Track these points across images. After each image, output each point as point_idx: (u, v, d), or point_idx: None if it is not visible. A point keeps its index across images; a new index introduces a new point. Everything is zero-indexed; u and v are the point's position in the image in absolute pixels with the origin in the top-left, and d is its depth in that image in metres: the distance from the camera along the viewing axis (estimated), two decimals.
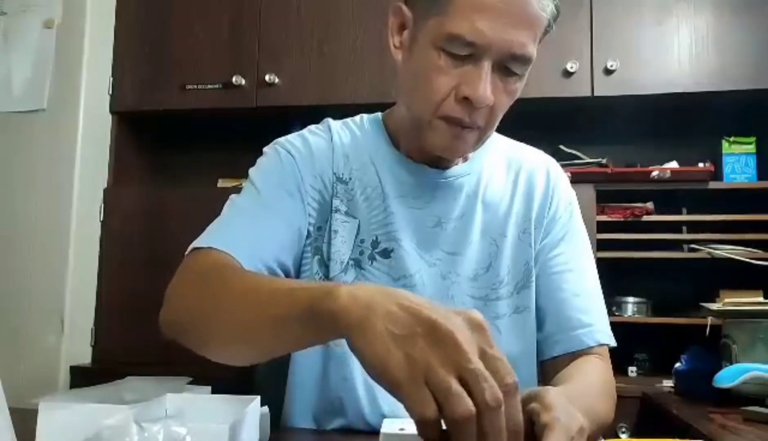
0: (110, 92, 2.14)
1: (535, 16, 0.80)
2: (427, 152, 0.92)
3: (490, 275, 0.95)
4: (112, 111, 2.14)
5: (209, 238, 0.83)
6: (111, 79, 2.15)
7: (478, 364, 0.48)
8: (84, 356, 2.01)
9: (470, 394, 0.47)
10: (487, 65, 0.80)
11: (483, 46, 0.79)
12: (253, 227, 0.86)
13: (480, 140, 0.89)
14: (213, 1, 2.13)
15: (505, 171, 1.01)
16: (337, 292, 0.55)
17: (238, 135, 2.18)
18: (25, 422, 0.59)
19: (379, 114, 1.03)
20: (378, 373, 0.49)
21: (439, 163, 0.95)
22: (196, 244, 0.83)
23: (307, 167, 0.94)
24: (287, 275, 0.90)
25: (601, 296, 0.99)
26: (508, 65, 0.81)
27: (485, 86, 0.80)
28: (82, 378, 1.93)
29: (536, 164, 1.02)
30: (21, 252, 1.97)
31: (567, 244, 0.98)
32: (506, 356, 0.90)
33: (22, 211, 1.99)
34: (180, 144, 2.40)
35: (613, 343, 0.95)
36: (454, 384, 0.47)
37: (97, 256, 2.07)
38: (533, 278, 0.96)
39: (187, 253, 0.84)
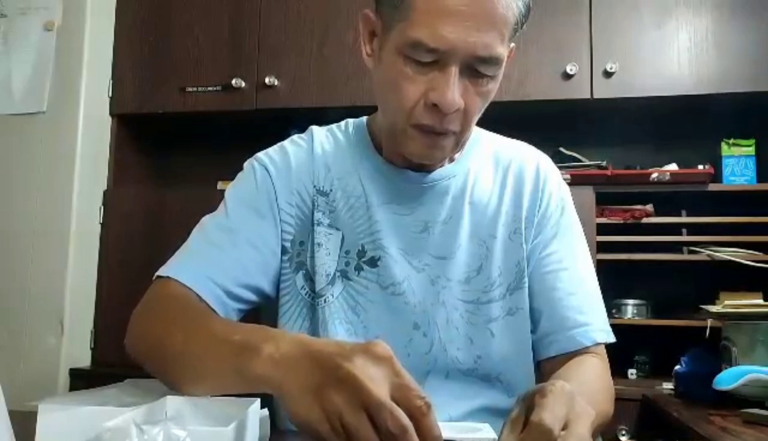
0: (110, 94, 2.14)
1: (499, 16, 0.78)
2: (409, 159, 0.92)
3: (481, 278, 0.93)
4: (111, 113, 2.14)
5: (171, 267, 0.87)
6: (111, 81, 2.15)
7: (380, 398, 0.52)
8: (83, 359, 2.01)
9: (378, 426, 0.52)
10: (453, 70, 0.79)
11: (447, 52, 0.77)
12: (214, 255, 0.88)
13: (457, 144, 0.88)
14: (213, 3, 2.13)
15: (493, 170, 0.99)
16: (258, 354, 0.61)
17: (237, 137, 2.18)
18: (24, 425, 0.59)
19: (364, 119, 1.02)
20: (304, 431, 0.55)
21: (423, 167, 0.94)
22: (159, 272, 0.87)
23: (283, 183, 0.95)
24: (260, 295, 0.93)
25: (598, 292, 0.97)
26: (476, 67, 0.80)
27: (453, 92, 0.79)
28: (81, 380, 1.92)
29: (525, 160, 1.00)
30: (21, 254, 1.97)
31: (560, 241, 0.96)
32: (501, 358, 0.91)
33: (22, 213, 1.99)
34: (180, 146, 2.41)
35: (612, 339, 0.94)
36: (361, 424, 0.52)
37: (97, 258, 2.07)
38: (526, 279, 0.94)
39: (154, 278, 0.87)
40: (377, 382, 0.53)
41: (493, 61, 0.80)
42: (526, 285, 0.94)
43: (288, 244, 0.94)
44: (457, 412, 0.89)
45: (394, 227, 0.93)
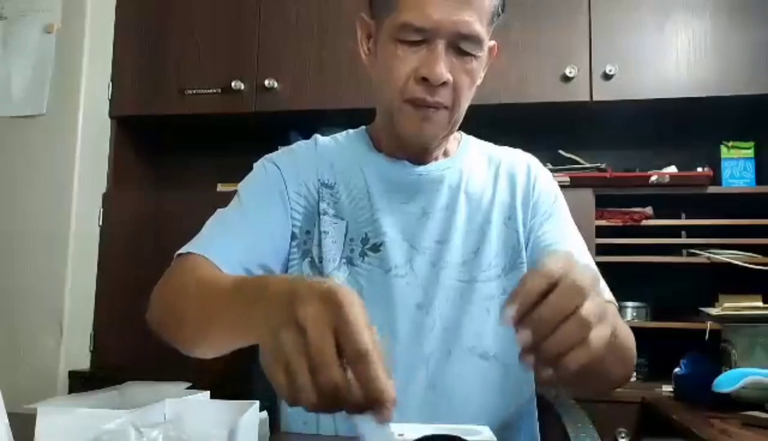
0: (109, 97, 2.14)
1: (476, 1, 0.89)
2: (406, 147, 0.98)
3: (478, 260, 0.98)
4: (111, 116, 2.15)
5: (191, 246, 0.90)
6: (110, 83, 2.15)
7: (324, 354, 0.49)
8: (83, 361, 2.01)
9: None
10: (440, 46, 0.89)
11: (432, 30, 0.88)
12: (232, 236, 0.93)
13: (450, 122, 0.94)
14: (213, 5, 2.14)
15: (486, 167, 1.06)
16: (251, 320, 0.59)
17: (237, 139, 2.18)
18: (23, 427, 0.59)
19: (363, 127, 1.10)
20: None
21: (420, 159, 1.01)
22: (181, 251, 0.90)
23: (291, 175, 1.01)
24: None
25: (595, 267, 0.97)
26: (460, 45, 0.90)
27: (440, 65, 0.88)
28: (80, 383, 1.93)
29: (516, 160, 1.07)
30: (20, 257, 1.97)
31: (553, 223, 1.02)
32: (497, 336, 0.94)
33: (22, 215, 1.99)
34: (179, 148, 2.41)
35: (614, 302, 0.94)
36: (303, 372, 0.49)
37: (96, 261, 2.07)
38: (522, 260, 0.99)
39: (175, 256, 0.91)
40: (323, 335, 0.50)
41: (474, 38, 0.90)
42: (522, 266, 0.99)
43: (297, 231, 1.00)
44: (461, 392, 0.93)
45: (395, 214, 0.99)
